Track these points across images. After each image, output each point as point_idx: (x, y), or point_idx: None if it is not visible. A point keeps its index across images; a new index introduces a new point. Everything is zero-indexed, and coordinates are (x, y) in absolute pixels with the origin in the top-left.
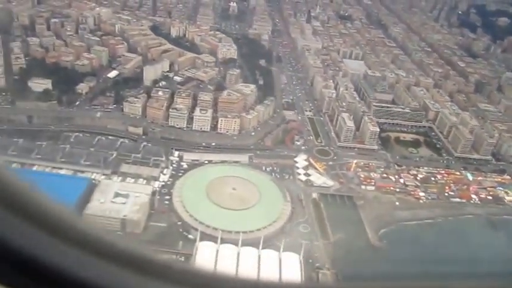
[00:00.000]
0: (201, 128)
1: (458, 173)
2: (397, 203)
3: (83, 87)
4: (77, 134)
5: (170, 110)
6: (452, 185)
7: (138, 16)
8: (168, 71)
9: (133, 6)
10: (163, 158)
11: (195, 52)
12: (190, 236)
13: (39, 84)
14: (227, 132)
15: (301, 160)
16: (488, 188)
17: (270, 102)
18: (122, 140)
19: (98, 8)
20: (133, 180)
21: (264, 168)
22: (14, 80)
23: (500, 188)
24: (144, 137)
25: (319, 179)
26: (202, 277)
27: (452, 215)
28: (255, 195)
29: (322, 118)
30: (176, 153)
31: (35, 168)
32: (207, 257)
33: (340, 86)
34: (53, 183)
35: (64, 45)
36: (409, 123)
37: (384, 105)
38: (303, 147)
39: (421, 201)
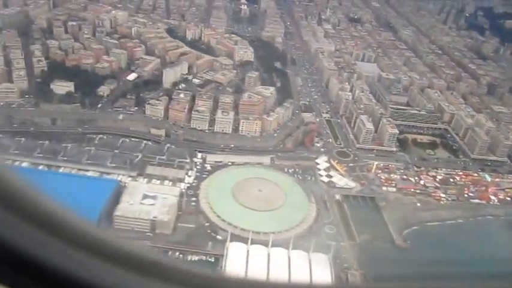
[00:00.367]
0: (222, 130)
1: (475, 175)
2: (419, 204)
3: (104, 90)
4: (101, 136)
5: (192, 112)
6: (471, 186)
7: (152, 19)
8: (186, 74)
9: (147, 9)
10: (188, 160)
11: (211, 55)
12: (218, 237)
13: (62, 86)
14: (248, 134)
15: (322, 162)
16: (506, 189)
17: (289, 104)
18: (145, 142)
19: (113, 11)
20: (159, 182)
21: (286, 169)
22: (37, 83)
23: None
24: (167, 139)
25: (341, 180)
26: (203, 277)
27: (473, 216)
28: (280, 196)
29: (339, 120)
30: (199, 155)
31: (61, 170)
32: (237, 258)
33: (356, 89)
34: (81, 185)
35: (83, 48)
36: (425, 125)
37: (400, 107)
38: (322, 149)
39: (441, 202)
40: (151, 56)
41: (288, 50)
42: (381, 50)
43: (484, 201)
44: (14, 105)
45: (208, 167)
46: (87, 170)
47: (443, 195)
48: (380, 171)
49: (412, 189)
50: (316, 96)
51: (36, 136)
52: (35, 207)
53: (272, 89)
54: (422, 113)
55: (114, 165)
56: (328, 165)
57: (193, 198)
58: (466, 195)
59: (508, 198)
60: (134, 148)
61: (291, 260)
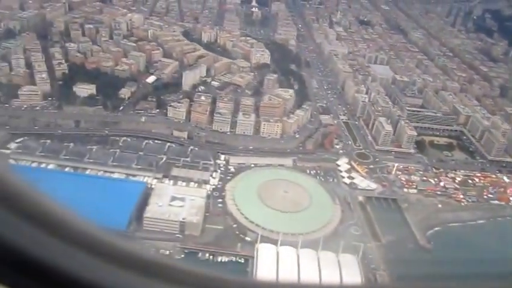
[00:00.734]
0: (244, 132)
1: (494, 176)
2: (440, 206)
3: (125, 92)
4: (124, 138)
5: (214, 114)
6: (489, 187)
7: (167, 22)
8: (205, 76)
9: (160, 11)
10: (212, 162)
11: (228, 57)
12: (247, 238)
13: (84, 89)
14: (269, 136)
15: (343, 163)
16: None
17: (308, 106)
18: (168, 144)
19: (129, 14)
20: (184, 183)
21: (308, 171)
22: (59, 85)
23: None
24: (189, 141)
25: (362, 182)
26: (203, 277)
27: (493, 217)
28: (305, 198)
29: (356, 122)
30: (222, 157)
31: (87, 172)
32: (268, 259)
33: (372, 91)
34: (110, 187)
35: (101, 50)
36: (441, 127)
37: (416, 109)
38: (341, 151)
39: (462, 203)
40: (169, 59)
41: (302, 52)
42: (392, 52)
43: (503, 203)
44: (37, 108)
45: (232, 169)
46: (113, 172)
47: (463, 197)
48: (400, 173)
49: (433, 191)
50: (332, 99)
51: (60, 138)
52: (37, 208)
53: (291, 91)
54: (438, 115)
55: (139, 167)
56: (349, 166)
57: (219, 200)
58: (485, 197)
59: None
60: (158, 150)
61: (320, 261)
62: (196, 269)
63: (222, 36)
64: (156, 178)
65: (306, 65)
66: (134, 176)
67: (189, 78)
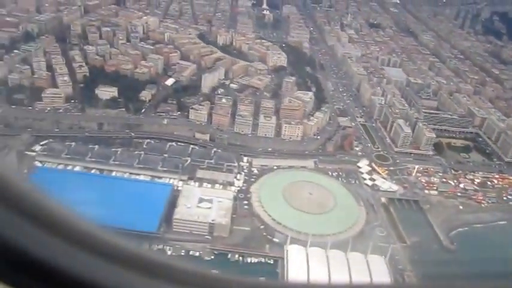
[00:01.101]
0: (265, 134)
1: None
2: (461, 207)
3: (145, 95)
4: (148, 140)
5: (236, 116)
6: (508, 189)
7: (181, 25)
8: (223, 79)
9: (174, 14)
10: (235, 164)
11: (244, 60)
12: (275, 240)
13: (107, 92)
14: (290, 138)
15: (363, 165)
16: None
17: (326, 109)
18: (192, 146)
19: (145, 17)
20: (210, 185)
21: (330, 173)
22: (80, 88)
23: None
24: (211, 143)
25: (384, 183)
26: (204, 277)
27: None
28: (330, 199)
29: (374, 124)
30: (245, 158)
31: (113, 174)
32: (298, 260)
33: (388, 93)
34: (138, 188)
35: (119, 53)
36: (457, 129)
37: (432, 111)
38: (360, 153)
39: (482, 205)
40: (187, 62)
41: (315, 55)
42: (405, 55)
43: None
44: (60, 110)
45: (255, 171)
46: (138, 174)
47: (482, 198)
48: (420, 175)
49: (453, 192)
50: (348, 101)
51: (84, 140)
52: (39, 208)
53: (311, 94)
54: (454, 117)
55: (165, 169)
56: (369, 168)
57: (245, 202)
58: (504, 198)
59: None
60: (182, 152)
61: (349, 262)
62: (197, 269)
63: (237, 39)
64: (181, 180)
65: (320, 67)
66: (159, 178)
67: (208, 81)
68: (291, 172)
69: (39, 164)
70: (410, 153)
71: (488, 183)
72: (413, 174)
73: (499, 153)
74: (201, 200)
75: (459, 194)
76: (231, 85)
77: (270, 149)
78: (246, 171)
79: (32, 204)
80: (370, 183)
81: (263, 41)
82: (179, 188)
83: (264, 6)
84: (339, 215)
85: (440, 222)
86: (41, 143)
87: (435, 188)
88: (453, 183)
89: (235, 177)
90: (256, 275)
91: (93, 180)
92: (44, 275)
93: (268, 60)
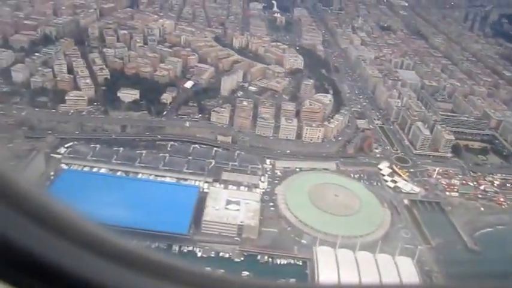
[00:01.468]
0: (286, 137)
1: None
2: (482, 209)
3: (166, 97)
4: (172, 143)
5: (258, 119)
6: None
7: (196, 28)
8: (241, 82)
9: (187, 17)
10: (259, 166)
11: (261, 63)
12: (303, 241)
13: (129, 94)
14: (311, 140)
15: (384, 167)
16: None
17: (345, 111)
18: (215, 148)
19: (161, 20)
20: (235, 187)
21: (352, 175)
22: (102, 91)
23: None
24: (234, 145)
25: (406, 185)
26: (209, 278)
27: None
28: (355, 201)
29: (391, 127)
30: (268, 161)
31: (139, 176)
32: (327, 262)
33: (404, 96)
34: (166, 191)
35: (138, 56)
36: (473, 131)
37: (449, 114)
38: (379, 155)
39: (503, 206)
40: (205, 64)
41: (329, 57)
42: (417, 57)
43: None
44: (84, 113)
45: (278, 173)
46: (164, 176)
47: (503, 200)
48: (440, 177)
49: (474, 194)
50: (364, 103)
51: (108, 143)
52: (41, 208)
53: (330, 96)
54: (470, 119)
55: (190, 171)
56: (390, 170)
57: (271, 204)
58: None
59: None
60: (206, 154)
61: (378, 264)
62: (198, 269)
63: (253, 42)
64: (206, 182)
65: (335, 70)
66: (185, 180)
67: (227, 84)
68: (314, 174)
69: (65, 167)
70: (429, 156)
71: (508, 185)
72: (434, 176)
73: None
74: (228, 202)
75: (480, 195)
76: (250, 88)
77: (291, 151)
78: (269, 173)
79: (34, 203)
80: (392, 185)
81: (278, 43)
82: (205, 190)
83: (275, 9)
84: (365, 216)
85: (463, 223)
86: (66, 146)
87: (456, 190)
88: (473, 185)
89: (260, 180)
90: (286, 277)
91: (121, 182)
92: (46, 275)
93: (285, 63)
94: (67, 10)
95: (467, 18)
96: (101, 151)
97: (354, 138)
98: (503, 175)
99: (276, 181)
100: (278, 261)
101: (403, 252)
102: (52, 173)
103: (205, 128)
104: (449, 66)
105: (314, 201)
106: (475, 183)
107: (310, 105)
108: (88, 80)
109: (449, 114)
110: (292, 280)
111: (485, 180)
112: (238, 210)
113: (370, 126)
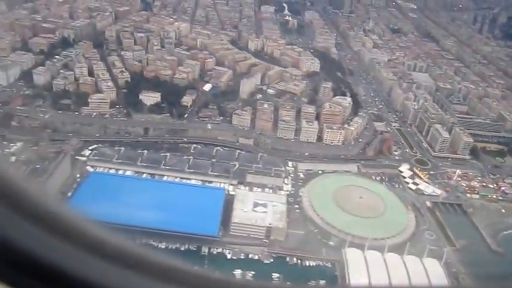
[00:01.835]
0: (307, 139)
1: None
2: (503, 211)
3: (187, 100)
4: (195, 145)
5: (279, 122)
6: None
7: (211, 30)
8: (259, 84)
9: (201, 20)
10: (283, 168)
11: (277, 65)
12: (330, 243)
13: (150, 97)
14: (332, 143)
15: (405, 169)
16: None
17: (364, 114)
18: (238, 151)
19: (176, 23)
20: (260, 189)
21: (373, 177)
22: (124, 94)
23: None
24: (256, 147)
25: (427, 187)
26: (205, 278)
27: None
28: (380, 203)
29: (409, 129)
30: (290, 163)
31: (165, 178)
32: (356, 264)
33: (419, 98)
34: (194, 193)
35: (156, 59)
36: (489, 133)
37: (465, 116)
38: (398, 157)
39: None
40: (222, 67)
41: (343, 60)
42: (430, 60)
43: None
44: (106, 115)
45: (301, 175)
46: (189, 179)
47: None
48: (460, 179)
49: (494, 196)
50: (380, 106)
51: (132, 145)
52: (41, 209)
53: (349, 99)
54: (486, 121)
55: (215, 173)
56: (411, 173)
57: (296, 206)
58: None
59: None
60: (230, 157)
61: (406, 265)
62: (199, 270)
63: (268, 45)
64: (231, 184)
65: (350, 72)
66: (210, 182)
67: (246, 86)
68: (337, 176)
69: (90, 169)
70: (448, 158)
71: None
72: (454, 178)
73: None
74: (256, 204)
75: (500, 197)
76: (268, 90)
77: (312, 154)
78: (292, 175)
79: (33, 204)
80: (413, 187)
81: (294, 46)
82: (231, 192)
83: (286, 12)
84: (390, 218)
85: (485, 225)
86: (89, 148)
87: (476, 192)
88: (492, 187)
89: (284, 182)
90: (316, 278)
91: (148, 185)
92: (46, 276)
93: (302, 65)
94: (83, 13)
95: (476, 20)
96: (126, 153)
97: (373, 140)
98: None
99: (300, 183)
100: (307, 263)
101: (430, 254)
102: (78, 175)
103: (227, 131)
104: (462, 69)
105: (339, 203)
106: (494, 185)
107: (330, 107)
108: (110, 83)
109: (465, 116)
110: (322, 282)
111: (505, 182)
112: (265, 212)
113: (388, 128)
